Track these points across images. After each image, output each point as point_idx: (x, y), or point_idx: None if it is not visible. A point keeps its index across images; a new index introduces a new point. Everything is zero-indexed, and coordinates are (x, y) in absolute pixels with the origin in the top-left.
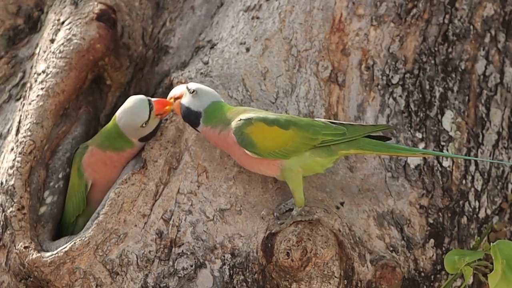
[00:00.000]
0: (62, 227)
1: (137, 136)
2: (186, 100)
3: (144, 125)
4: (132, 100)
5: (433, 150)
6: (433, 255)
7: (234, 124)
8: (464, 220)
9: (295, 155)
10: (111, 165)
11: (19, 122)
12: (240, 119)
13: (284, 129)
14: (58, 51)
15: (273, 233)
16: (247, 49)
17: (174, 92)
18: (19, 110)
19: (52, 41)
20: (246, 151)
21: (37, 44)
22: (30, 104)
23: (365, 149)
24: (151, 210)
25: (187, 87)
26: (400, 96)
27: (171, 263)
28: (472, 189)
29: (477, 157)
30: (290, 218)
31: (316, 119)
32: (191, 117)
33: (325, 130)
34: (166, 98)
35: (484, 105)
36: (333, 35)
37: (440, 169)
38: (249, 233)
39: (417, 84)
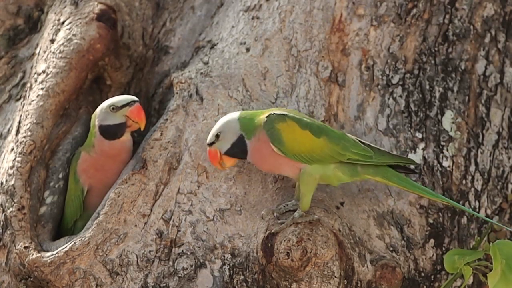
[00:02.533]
0: (62, 230)
1: (100, 120)
2: (221, 146)
3: (112, 109)
4: None
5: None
6: (433, 255)
7: (265, 118)
8: (464, 220)
9: (318, 164)
10: (101, 169)
11: (19, 122)
12: (273, 113)
13: (315, 136)
14: (58, 51)
15: (273, 233)
16: (247, 49)
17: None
18: (19, 110)
19: (52, 41)
20: (273, 147)
21: (37, 44)
22: (30, 104)
23: (390, 181)
24: (151, 210)
25: (208, 144)
26: (400, 96)
27: (171, 263)
28: (472, 189)
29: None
30: (291, 219)
31: (347, 134)
32: (241, 147)
33: (354, 148)
34: (165, 98)
35: (484, 105)
36: (333, 35)
37: (440, 169)
38: (249, 233)
39: (417, 84)
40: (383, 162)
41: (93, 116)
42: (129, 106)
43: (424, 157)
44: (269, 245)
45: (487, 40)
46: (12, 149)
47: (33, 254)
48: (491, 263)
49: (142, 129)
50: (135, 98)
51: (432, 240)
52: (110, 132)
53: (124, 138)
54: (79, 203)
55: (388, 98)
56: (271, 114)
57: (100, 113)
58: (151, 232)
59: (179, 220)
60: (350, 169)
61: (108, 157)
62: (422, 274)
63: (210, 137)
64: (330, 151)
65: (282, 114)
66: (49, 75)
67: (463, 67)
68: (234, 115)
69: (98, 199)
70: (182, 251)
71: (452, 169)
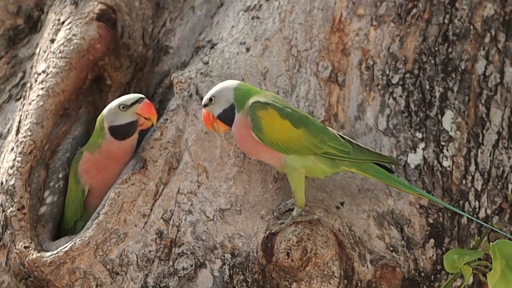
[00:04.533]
0: (62, 231)
1: (110, 121)
2: (214, 109)
3: (121, 108)
4: None
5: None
6: (433, 255)
7: (250, 104)
8: (464, 220)
9: (296, 155)
10: (104, 170)
11: (19, 122)
12: (257, 101)
13: (294, 126)
14: (58, 51)
15: (273, 233)
16: (247, 49)
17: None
18: (19, 110)
19: (52, 41)
20: (252, 133)
21: (37, 44)
22: (30, 104)
23: (366, 173)
24: (151, 210)
25: (204, 105)
26: (400, 96)
27: (171, 263)
28: (472, 189)
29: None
30: (290, 218)
31: (328, 127)
32: (230, 115)
33: (332, 142)
34: (165, 98)
35: (484, 105)
36: (333, 35)
37: (440, 169)
38: (249, 233)
39: (417, 84)
40: (361, 159)
41: (99, 118)
42: (138, 103)
43: (424, 157)
44: (269, 245)
45: (487, 40)
46: (12, 149)
47: (33, 254)
48: (491, 263)
49: (154, 124)
50: (142, 96)
51: (432, 240)
52: (122, 132)
53: (133, 137)
54: (80, 204)
55: (388, 98)
56: (255, 101)
57: (109, 114)
58: (151, 232)
59: (179, 220)
60: (329, 161)
61: (113, 157)
62: (422, 274)
63: (205, 99)
64: (307, 143)
65: (266, 102)
66: (49, 75)
67: (463, 67)
68: (233, 83)
69: (99, 200)
70: (182, 251)
71: (452, 169)
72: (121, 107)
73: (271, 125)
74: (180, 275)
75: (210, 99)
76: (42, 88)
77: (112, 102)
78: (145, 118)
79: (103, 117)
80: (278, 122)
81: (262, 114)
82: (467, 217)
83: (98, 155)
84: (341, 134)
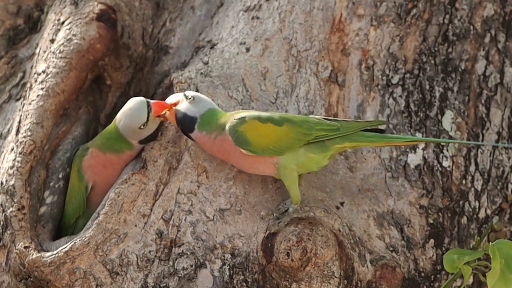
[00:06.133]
0: (62, 229)
1: (136, 138)
2: (183, 106)
3: (142, 127)
4: (131, 102)
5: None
6: (433, 255)
7: (228, 124)
8: (464, 220)
9: (290, 151)
10: (111, 168)
11: (19, 122)
12: (234, 119)
13: (278, 125)
14: (58, 51)
15: (273, 233)
16: (247, 49)
17: (171, 99)
18: (19, 110)
19: (52, 41)
20: (242, 150)
21: (37, 44)
22: (30, 104)
23: (359, 142)
24: (151, 210)
25: (184, 94)
26: (400, 96)
27: (171, 263)
28: (472, 189)
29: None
30: (287, 215)
31: (310, 116)
32: (186, 122)
33: (318, 125)
34: (165, 98)
35: (484, 105)
36: (333, 35)
37: (440, 169)
38: (249, 233)
39: (417, 84)
40: (351, 130)
41: (118, 134)
42: (150, 111)
43: (424, 157)
44: (269, 245)
45: (487, 40)
46: (12, 149)
47: (33, 254)
48: (491, 263)
49: (175, 106)
50: (142, 99)
51: (432, 240)
52: (153, 137)
53: None
54: (83, 200)
55: (388, 98)
56: (232, 120)
57: (134, 135)
58: (151, 232)
59: (179, 220)
60: (319, 147)
61: (129, 159)
62: (422, 274)
63: (190, 93)
64: (295, 135)
65: (242, 117)
66: (49, 75)
67: (463, 67)
68: (212, 104)
69: (101, 197)
70: (182, 251)
71: (452, 169)
72: (141, 126)
73: (256, 134)
74: (180, 275)
75: (191, 98)
76: (42, 88)
77: (126, 123)
78: (164, 116)
79: (125, 136)
80: (261, 128)
81: (244, 128)
82: (479, 144)
83: (111, 156)
84: (324, 117)
